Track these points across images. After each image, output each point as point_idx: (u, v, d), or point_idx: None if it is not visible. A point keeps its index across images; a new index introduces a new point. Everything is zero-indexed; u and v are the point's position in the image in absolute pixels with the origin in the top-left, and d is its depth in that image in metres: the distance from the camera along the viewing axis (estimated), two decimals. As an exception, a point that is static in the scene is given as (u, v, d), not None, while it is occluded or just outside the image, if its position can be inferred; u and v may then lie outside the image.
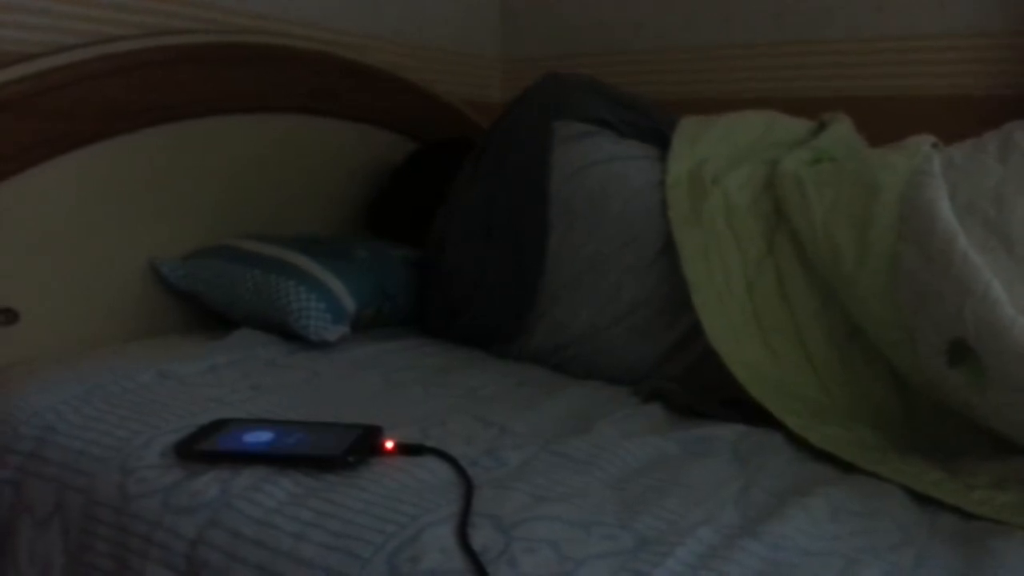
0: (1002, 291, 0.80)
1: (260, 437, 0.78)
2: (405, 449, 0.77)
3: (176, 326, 1.21)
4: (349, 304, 1.13)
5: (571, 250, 1.10)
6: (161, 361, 0.99)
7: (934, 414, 0.90)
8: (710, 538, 0.65)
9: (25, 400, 0.89)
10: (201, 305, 1.19)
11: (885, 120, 1.29)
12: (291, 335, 1.10)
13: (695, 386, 0.98)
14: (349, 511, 0.69)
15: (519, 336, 1.13)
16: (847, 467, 0.82)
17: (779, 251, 1.01)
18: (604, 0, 1.77)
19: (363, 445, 0.76)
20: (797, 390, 0.95)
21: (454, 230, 1.17)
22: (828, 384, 0.95)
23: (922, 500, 0.76)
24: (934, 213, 0.88)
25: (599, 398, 0.97)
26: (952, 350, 0.83)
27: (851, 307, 0.95)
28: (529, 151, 1.15)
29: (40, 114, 1.04)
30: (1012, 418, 0.81)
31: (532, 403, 0.93)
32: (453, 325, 1.18)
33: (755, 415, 0.91)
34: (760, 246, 1.03)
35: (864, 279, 0.91)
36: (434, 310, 1.21)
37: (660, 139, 1.17)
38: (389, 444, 0.77)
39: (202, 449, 0.77)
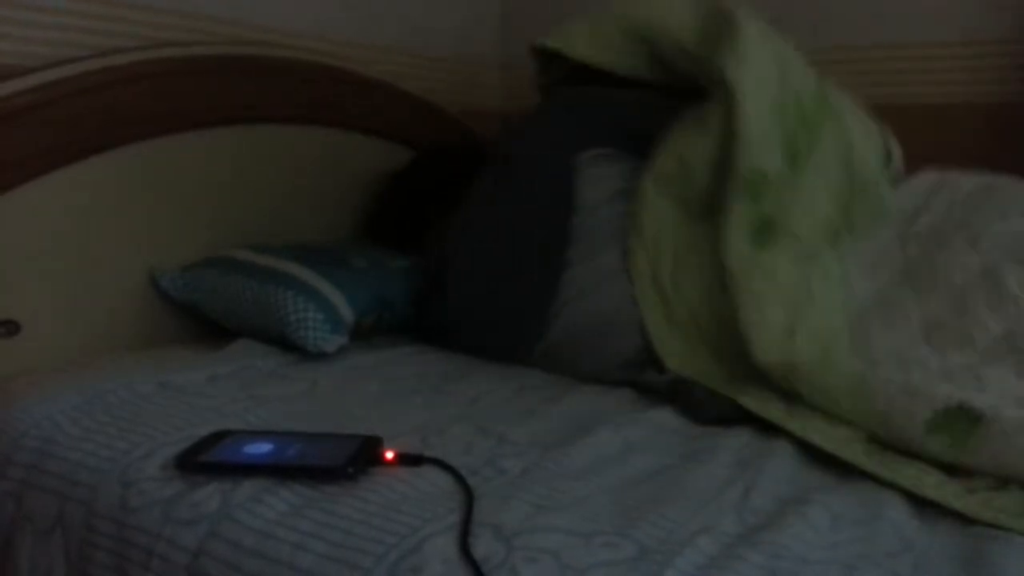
0: (971, 388, 0.84)
1: (260, 448, 0.78)
2: (405, 459, 0.77)
3: (175, 337, 1.21)
4: (347, 314, 1.13)
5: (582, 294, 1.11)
6: (161, 372, 0.99)
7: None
8: (709, 547, 0.65)
9: (26, 411, 0.89)
10: (200, 316, 1.20)
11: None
12: (290, 345, 1.10)
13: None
14: (349, 522, 0.69)
15: (523, 357, 1.13)
16: (846, 473, 0.82)
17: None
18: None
19: (363, 455, 0.76)
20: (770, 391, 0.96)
21: (466, 248, 1.16)
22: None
23: (921, 507, 0.76)
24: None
25: (599, 404, 0.97)
26: (929, 423, 0.85)
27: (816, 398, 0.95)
28: (551, 182, 1.15)
29: (42, 125, 1.05)
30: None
31: (532, 410, 0.93)
32: (454, 340, 1.18)
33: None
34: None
35: (832, 390, 0.92)
36: (434, 323, 1.21)
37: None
38: (389, 454, 0.77)
39: (203, 460, 0.77)
